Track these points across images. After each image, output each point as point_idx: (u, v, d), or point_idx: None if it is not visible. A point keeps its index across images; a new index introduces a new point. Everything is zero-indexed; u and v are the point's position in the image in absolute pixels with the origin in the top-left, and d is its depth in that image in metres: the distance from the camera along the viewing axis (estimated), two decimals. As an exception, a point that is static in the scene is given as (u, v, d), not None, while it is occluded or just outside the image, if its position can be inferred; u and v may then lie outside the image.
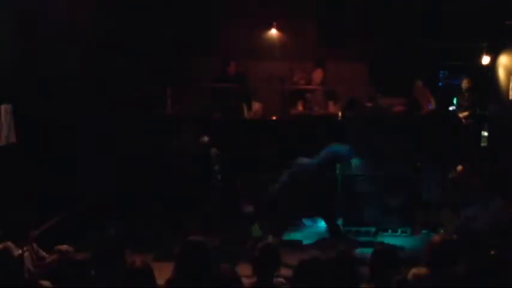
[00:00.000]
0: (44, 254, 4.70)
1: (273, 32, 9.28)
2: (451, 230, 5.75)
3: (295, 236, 7.10)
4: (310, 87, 8.87)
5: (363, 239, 6.93)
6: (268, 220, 6.91)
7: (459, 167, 6.06)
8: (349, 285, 3.57)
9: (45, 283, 3.58)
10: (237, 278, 3.49)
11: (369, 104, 8.34)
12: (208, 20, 8.90)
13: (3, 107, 5.96)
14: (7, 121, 6.01)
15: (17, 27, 6.12)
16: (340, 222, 7.29)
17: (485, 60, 8.92)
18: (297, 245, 6.60)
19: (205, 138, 7.37)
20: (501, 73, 8.86)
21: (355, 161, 7.45)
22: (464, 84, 8.89)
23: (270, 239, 6.01)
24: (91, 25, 7.30)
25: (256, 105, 8.75)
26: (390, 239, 6.85)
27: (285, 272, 3.78)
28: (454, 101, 9.12)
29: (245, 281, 3.58)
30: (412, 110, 8.37)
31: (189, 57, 8.99)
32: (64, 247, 3.99)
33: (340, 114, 8.24)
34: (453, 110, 8.99)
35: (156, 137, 7.79)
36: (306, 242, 6.85)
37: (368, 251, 4.09)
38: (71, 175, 6.69)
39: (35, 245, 4.72)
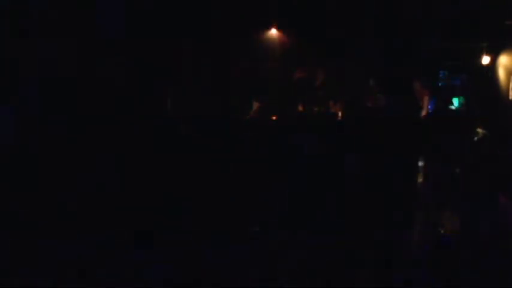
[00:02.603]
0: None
1: (273, 32, 9.28)
2: (451, 230, 5.76)
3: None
4: (310, 87, 8.86)
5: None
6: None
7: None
8: None
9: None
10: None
11: (369, 104, 8.33)
12: (209, 20, 8.88)
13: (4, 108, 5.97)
14: (7, 122, 6.01)
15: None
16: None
17: (485, 60, 8.93)
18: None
19: None
20: (501, 73, 8.86)
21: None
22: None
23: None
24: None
25: (256, 105, 8.74)
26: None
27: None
28: (455, 101, 9.13)
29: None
30: (412, 110, 8.36)
31: (189, 57, 8.97)
32: None
33: (340, 114, 8.23)
34: (453, 110, 8.98)
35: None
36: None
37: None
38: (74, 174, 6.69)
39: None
